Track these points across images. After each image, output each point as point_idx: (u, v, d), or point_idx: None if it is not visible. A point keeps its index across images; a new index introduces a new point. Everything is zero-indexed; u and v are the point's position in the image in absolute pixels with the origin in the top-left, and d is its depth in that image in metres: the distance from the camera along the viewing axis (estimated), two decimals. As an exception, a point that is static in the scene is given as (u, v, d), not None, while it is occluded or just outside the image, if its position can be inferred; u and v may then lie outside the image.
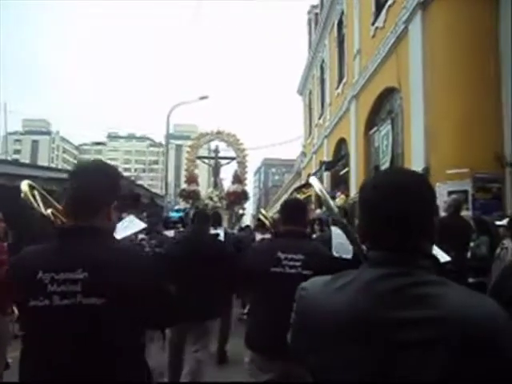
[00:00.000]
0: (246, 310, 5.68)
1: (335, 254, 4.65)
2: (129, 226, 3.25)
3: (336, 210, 1.46)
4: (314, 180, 1.71)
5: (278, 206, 37.58)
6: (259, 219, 7.84)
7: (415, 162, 7.91)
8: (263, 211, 7.51)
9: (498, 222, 5.43)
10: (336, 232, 5.00)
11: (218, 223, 6.13)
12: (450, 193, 6.96)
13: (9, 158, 25.07)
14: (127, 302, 1.42)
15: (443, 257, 2.51)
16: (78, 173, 1.67)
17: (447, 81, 7.08)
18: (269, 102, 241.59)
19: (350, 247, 4.66)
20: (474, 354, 0.89)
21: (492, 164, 6.72)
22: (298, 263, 2.62)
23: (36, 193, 2.20)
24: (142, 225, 3.46)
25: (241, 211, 14.40)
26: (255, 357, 2.68)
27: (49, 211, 2.13)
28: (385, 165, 10.10)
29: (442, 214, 5.79)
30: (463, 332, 0.90)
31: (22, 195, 2.23)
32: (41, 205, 2.15)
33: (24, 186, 2.22)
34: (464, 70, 6.89)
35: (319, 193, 1.58)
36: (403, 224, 1.02)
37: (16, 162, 19.51)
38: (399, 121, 9.58)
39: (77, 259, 1.43)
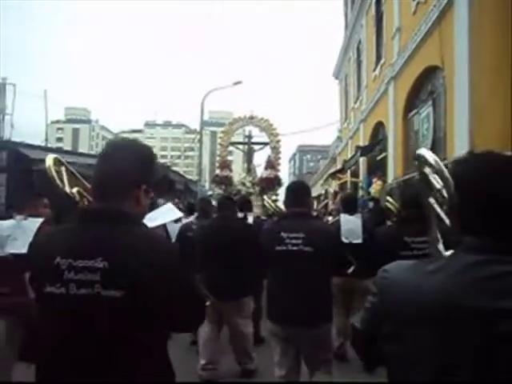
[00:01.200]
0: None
1: (344, 239, 4.66)
2: (164, 214, 3.12)
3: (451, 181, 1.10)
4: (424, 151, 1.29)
5: (313, 192, 37.19)
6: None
7: (458, 145, 7.40)
8: (266, 197, 7.39)
9: None
10: (345, 218, 4.85)
11: (247, 209, 5.96)
12: (497, 177, 6.47)
13: (50, 145, 25.89)
14: (148, 296, 1.27)
15: None
16: (108, 151, 1.48)
17: (496, 56, 6.50)
18: (304, 86, 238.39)
19: (360, 233, 4.65)
20: None
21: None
22: (299, 241, 2.88)
23: (63, 169, 2.05)
24: (179, 214, 3.32)
25: (274, 197, 14.19)
26: (272, 326, 3.06)
27: (74, 190, 2.00)
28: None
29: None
30: None
31: (46, 170, 2.09)
32: (66, 182, 2.00)
33: (49, 160, 2.06)
34: (514, 43, 6.30)
35: (433, 163, 1.23)
36: (505, 211, 0.99)
37: (59, 149, 20.10)
38: (441, 102, 9.00)
39: (97, 246, 1.29)
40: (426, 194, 1.31)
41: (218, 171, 17.46)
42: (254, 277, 4.31)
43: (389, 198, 6.47)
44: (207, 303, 1.60)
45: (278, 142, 17.53)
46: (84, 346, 1.26)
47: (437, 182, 1.21)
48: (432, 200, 1.27)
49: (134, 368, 1.28)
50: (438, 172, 1.21)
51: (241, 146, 18.85)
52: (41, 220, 3.61)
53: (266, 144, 17.79)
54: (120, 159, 1.41)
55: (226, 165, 17.40)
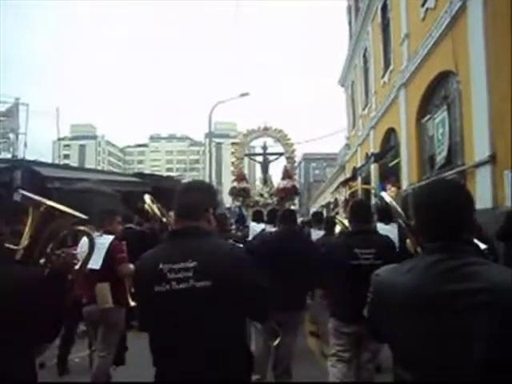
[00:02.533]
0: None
1: None
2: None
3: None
4: (384, 195, 2.41)
5: (321, 201, 37.06)
6: (314, 215, 7.84)
7: (478, 149, 7.36)
8: (338, 217, 7.32)
9: None
10: (382, 228, 4.83)
11: (273, 220, 5.93)
12: (520, 181, 6.41)
13: (57, 162, 26.10)
14: (229, 285, 1.76)
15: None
16: (187, 188, 2.11)
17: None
18: (309, 95, 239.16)
19: (396, 242, 4.75)
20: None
21: None
22: (370, 256, 3.32)
23: (155, 205, 2.80)
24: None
25: (292, 207, 14.18)
26: (335, 322, 3.58)
27: (164, 219, 2.70)
28: (441, 154, 9.52)
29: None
30: (503, 299, 1.20)
31: (146, 206, 2.86)
32: (158, 213, 2.75)
33: (147, 199, 2.86)
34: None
35: (389, 203, 2.23)
36: (452, 222, 1.38)
37: (68, 166, 20.29)
38: (456, 106, 8.98)
39: (187, 252, 1.81)
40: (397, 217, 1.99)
41: (235, 183, 17.46)
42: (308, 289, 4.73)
43: (338, 216, 6.98)
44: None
45: (293, 151, 17.60)
46: (183, 326, 1.76)
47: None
48: (400, 221, 1.90)
49: (217, 343, 1.76)
50: (392, 208, 1.97)
51: (256, 157, 18.90)
52: (111, 237, 4.00)
53: (281, 154, 17.84)
54: (195, 193, 2.01)
55: (242, 176, 17.44)
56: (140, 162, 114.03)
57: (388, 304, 1.40)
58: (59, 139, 37.63)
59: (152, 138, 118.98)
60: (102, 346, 3.99)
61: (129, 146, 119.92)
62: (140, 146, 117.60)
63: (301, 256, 4.01)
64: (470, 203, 1.45)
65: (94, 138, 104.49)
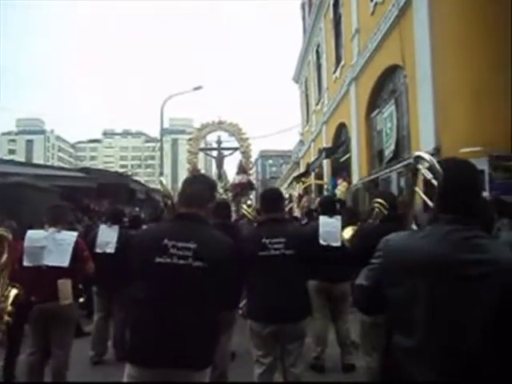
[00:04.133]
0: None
1: (322, 242, 4.59)
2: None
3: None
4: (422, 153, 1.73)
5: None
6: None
7: (424, 142, 7.38)
8: (244, 206, 7.27)
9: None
10: (324, 221, 4.67)
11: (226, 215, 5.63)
12: (464, 173, 6.46)
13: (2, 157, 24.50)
14: (218, 268, 2.06)
15: None
16: (192, 180, 2.53)
17: (458, 52, 6.53)
18: (263, 91, 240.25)
19: (339, 235, 4.46)
20: None
21: (509, 140, 6.19)
22: (280, 245, 3.07)
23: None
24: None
25: (249, 202, 13.96)
26: (253, 323, 3.18)
27: (169, 202, 2.88)
28: (389, 148, 9.58)
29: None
30: (507, 268, 1.34)
31: (162, 188, 3.14)
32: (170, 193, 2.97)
33: (163, 180, 3.30)
34: (477, 38, 6.33)
35: (428, 160, 1.61)
36: (467, 197, 1.49)
37: (8, 161, 19.02)
38: (403, 100, 9.03)
39: (190, 234, 2.11)
40: (412, 185, 1.74)
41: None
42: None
43: (244, 206, 6.94)
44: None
45: (248, 146, 17.37)
46: (178, 298, 2.05)
47: (428, 174, 1.56)
48: (417, 188, 1.69)
49: (202, 315, 2.08)
50: (432, 166, 1.53)
51: (210, 152, 18.49)
52: (75, 233, 3.90)
53: (236, 149, 17.56)
54: (201, 187, 2.34)
55: (197, 172, 16.99)
56: (93, 158, 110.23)
57: (400, 265, 1.45)
58: (3, 134, 35.49)
59: (105, 134, 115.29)
60: (60, 345, 3.78)
61: (81, 142, 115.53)
62: (93, 141, 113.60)
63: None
64: (480, 182, 1.62)
65: (42, 132, 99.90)
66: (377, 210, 3.92)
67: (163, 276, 2.07)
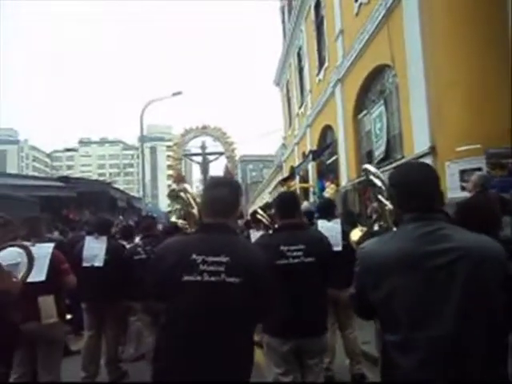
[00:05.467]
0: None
1: None
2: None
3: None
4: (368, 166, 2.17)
5: (258, 202, 36.87)
6: (252, 215, 7.31)
7: (418, 141, 7.27)
8: (260, 210, 6.94)
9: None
10: (324, 225, 4.45)
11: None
12: (462, 172, 6.33)
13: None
14: (255, 282, 1.84)
15: None
16: (214, 185, 2.10)
17: (451, 47, 6.41)
18: (244, 96, 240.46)
19: (339, 239, 4.21)
20: (482, 265, 1.43)
21: (506, 137, 6.10)
22: (300, 253, 2.84)
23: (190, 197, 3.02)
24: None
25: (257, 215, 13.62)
26: (271, 339, 2.90)
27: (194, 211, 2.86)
28: (380, 149, 9.46)
29: (466, 194, 5.18)
30: (472, 253, 1.45)
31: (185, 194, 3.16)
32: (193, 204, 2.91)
33: (188, 187, 3.22)
34: (470, 32, 6.22)
35: (374, 172, 2.08)
36: (425, 195, 1.61)
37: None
38: (393, 100, 8.93)
39: (220, 247, 1.85)
40: (376, 193, 1.95)
41: (174, 185, 16.55)
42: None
43: (259, 210, 6.58)
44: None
45: (234, 150, 17.09)
46: (208, 321, 1.77)
47: (379, 183, 1.91)
48: (380, 196, 1.96)
49: (241, 337, 1.84)
50: (378, 175, 1.93)
51: (195, 158, 18.14)
52: (51, 245, 3.65)
53: (221, 154, 17.26)
54: (228, 192, 2.00)
55: (181, 178, 16.66)
56: (69, 167, 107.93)
57: (376, 269, 1.55)
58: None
59: (82, 142, 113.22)
60: (47, 368, 3.51)
61: (56, 151, 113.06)
62: (69, 150, 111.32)
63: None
64: (438, 179, 1.68)
65: (16, 142, 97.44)
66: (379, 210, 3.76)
67: (193, 296, 1.80)
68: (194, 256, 1.81)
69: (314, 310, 2.86)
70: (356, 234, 4.11)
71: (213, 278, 1.79)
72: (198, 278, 1.79)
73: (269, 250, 2.89)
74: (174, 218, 4.66)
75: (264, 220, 5.28)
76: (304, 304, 2.80)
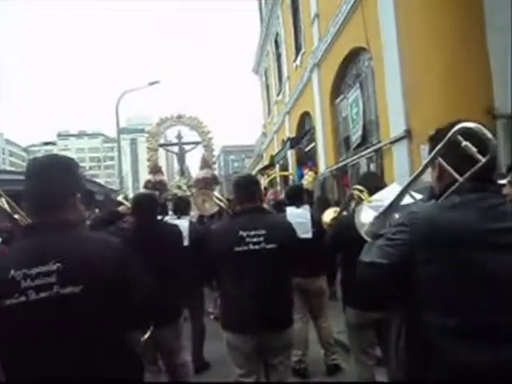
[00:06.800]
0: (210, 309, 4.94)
1: None
2: None
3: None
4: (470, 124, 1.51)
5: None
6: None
7: (394, 125, 7.12)
8: (216, 193, 6.64)
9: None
10: (292, 212, 4.28)
11: (182, 211, 5.13)
12: (437, 155, 6.24)
13: None
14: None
15: None
16: (33, 170, 1.64)
17: (426, 30, 6.25)
18: (224, 85, 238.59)
19: (309, 226, 4.02)
20: None
21: (481, 119, 5.98)
22: (261, 238, 2.65)
23: (3, 200, 2.29)
24: None
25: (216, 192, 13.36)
26: (230, 336, 2.70)
27: (16, 216, 2.20)
28: (356, 134, 9.31)
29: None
30: None
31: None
32: (8, 210, 2.20)
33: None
34: (445, 16, 6.05)
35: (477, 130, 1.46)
36: (493, 164, 1.43)
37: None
38: (369, 84, 8.75)
39: (47, 252, 1.47)
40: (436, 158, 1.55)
41: (150, 177, 16.12)
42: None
43: (215, 193, 6.39)
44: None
45: (210, 139, 16.72)
46: (48, 345, 1.43)
47: (473, 147, 1.41)
48: (440, 159, 1.52)
49: (93, 357, 1.47)
50: (482, 136, 1.39)
51: (171, 148, 17.71)
52: None
53: (197, 143, 16.89)
54: (49, 177, 1.56)
55: (157, 169, 16.20)
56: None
57: (435, 240, 1.36)
58: None
59: (60, 136, 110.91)
60: None
61: (33, 145, 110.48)
62: (47, 144, 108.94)
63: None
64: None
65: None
66: (356, 197, 3.55)
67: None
68: (13, 272, 1.49)
69: (277, 302, 2.65)
70: (329, 215, 3.92)
71: (42, 294, 1.45)
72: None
73: (227, 235, 2.71)
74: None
75: (222, 204, 5.03)
76: (265, 295, 2.59)
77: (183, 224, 4.62)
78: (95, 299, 1.45)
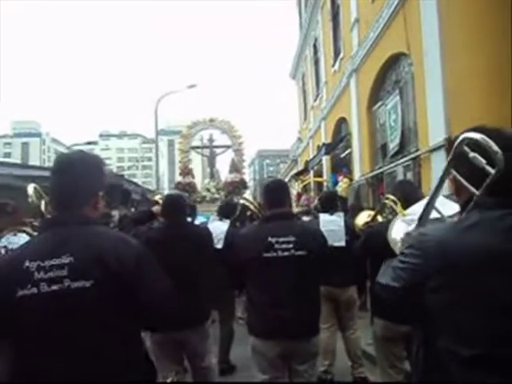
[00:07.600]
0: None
1: None
2: None
3: None
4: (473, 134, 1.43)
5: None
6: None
7: (433, 133, 6.88)
8: (246, 195, 6.53)
9: None
10: (325, 218, 4.17)
11: (226, 215, 5.10)
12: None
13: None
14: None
15: None
16: (60, 166, 1.66)
17: (469, 33, 6.02)
18: (261, 89, 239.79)
19: (343, 234, 3.90)
20: None
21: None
22: (290, 245, 2.61)
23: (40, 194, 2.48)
24: None
25: (241, 201, 13.43)
26: (256, 342, 2.65)
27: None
28: (394, 141, 9.08)
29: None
30: None
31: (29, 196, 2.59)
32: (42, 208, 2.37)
33: (30, 188, 2.60)
34: (488, 19, 5.82)
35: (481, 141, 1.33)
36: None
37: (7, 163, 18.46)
38: (409, 90, 8.52)
39: (62, 246, 1.47)
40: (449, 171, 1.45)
41: (180, 178, 16.37)
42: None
43: (245, 195, 6.05)
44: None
45: (241, 144, 16.80)
46: (58, 339, 1.42)
47: (478, 159, 1.31)
48: (454, 172, 1.43)
49: (102, 352, 1.45)
50: (487, 148, 1.28)
51: (201, 150, 17.91)
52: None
53: (228, 147, 17.00)
54: (75, 173, 1.58)
55: (187, 171, 16.44)
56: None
57: (449, 265, 1.25)
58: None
59: (102, 136, 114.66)
60: None
61: (77, 144, 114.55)
62: (89, 143, 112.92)
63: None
64: None
65: (38, 135, 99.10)
66: (389, 207, 3.43)
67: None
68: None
69: (304, 309, 2.59)
70: (362, 219, 3.81)
71: (54, 287, 1.44)
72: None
73: (256, 241, 2.67)
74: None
75: (252, 207, 4.94)
76: (292, 302, 2.54)
77: (222, 227, 4.61)
78: (105, 295, 1.44)
